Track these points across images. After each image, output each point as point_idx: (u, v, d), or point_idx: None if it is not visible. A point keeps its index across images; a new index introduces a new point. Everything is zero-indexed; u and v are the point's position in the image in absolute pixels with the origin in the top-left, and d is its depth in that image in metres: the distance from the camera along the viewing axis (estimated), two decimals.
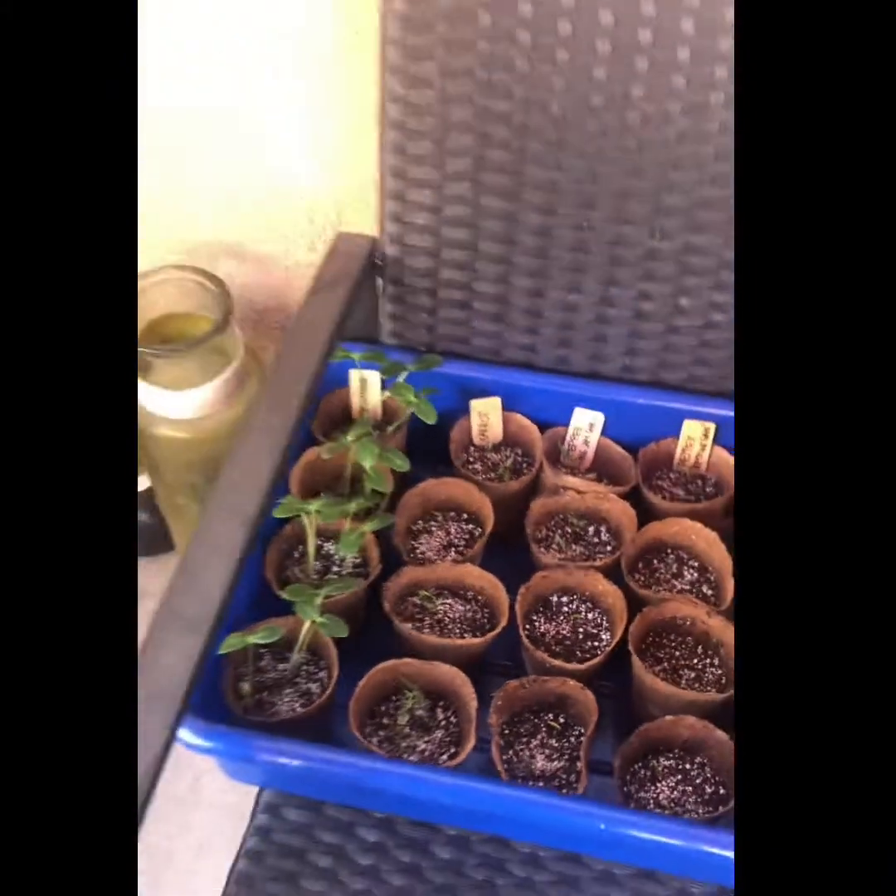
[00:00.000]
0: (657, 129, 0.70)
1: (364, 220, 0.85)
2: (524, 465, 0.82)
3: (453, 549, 0.76)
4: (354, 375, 0.82)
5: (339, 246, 0.78)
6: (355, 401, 0.84)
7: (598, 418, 0.81)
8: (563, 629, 0.72)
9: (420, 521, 0.78)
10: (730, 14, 0.64)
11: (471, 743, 0.64)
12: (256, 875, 0.66)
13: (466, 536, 0.78)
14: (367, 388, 0.82)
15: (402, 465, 0.74)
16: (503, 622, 0.70)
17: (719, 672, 0.70)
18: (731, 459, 0.81)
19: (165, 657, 0.53)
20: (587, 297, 0.78)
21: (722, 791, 0.65)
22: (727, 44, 0.66)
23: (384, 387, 0.82)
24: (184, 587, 0.56)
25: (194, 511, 1.01)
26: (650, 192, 0.73)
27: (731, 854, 0.56)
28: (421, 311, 0.81)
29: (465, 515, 0.79)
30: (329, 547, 0.76)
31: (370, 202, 0.84)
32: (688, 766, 0.66)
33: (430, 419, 0.76)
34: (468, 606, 0.73)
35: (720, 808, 0.64)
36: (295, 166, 0.85)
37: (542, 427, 0.82)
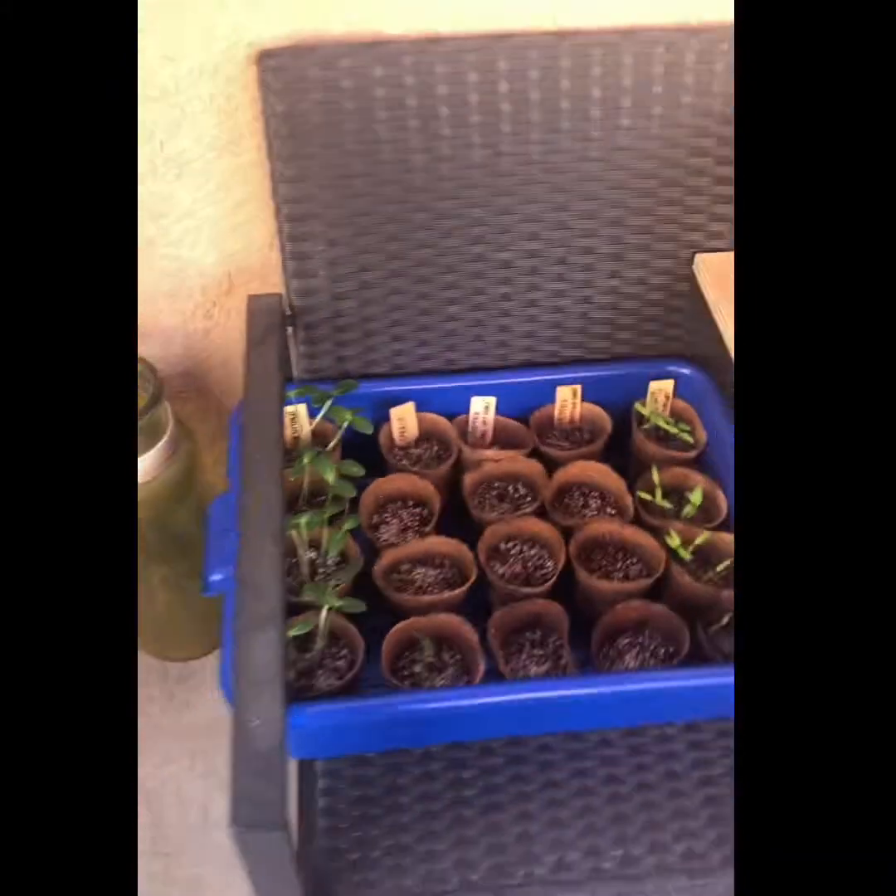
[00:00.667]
0: (490, 176, 0.89)
1: (255, 282, 0.99)
2: (442, 451, 0.99)
3: (410, 530, 0.92)
4: (285, 411, 0.96)
5: (254, 306, 0.92)
6: (287, 432, 0.97)
7: (490, 401, 0.99)
8: (516, 568, 0.90)
9: (375, 516, 0.94)
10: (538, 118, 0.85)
11: (482, 667, 0.80)
12: (335, 826, 0.79)
13: (417, 518, 0.94)
14: (297, 419, 0.96)
15: (359, 471, 0.89)
16: (474, 574, 0.87)
17: (639, 567, 0.90)
18: (597, 410, 1.01)
19: (257, 650, 0.66)
20: (463, 308, 0.97)
21: (671, 650, 0.85)
22: (538, 135, 0.86)
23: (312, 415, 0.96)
24: (248, 594, 0.69)
25: (143, 568, 1.10)
26: (497, 224, 0.92)
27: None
28: (331, 345, 0.97)
29: (411, 502, 0.95)
30: (308, 554, 0.90)
31: (263, 266, 0.98)
32: (641, 640, 0.86)
33: (368, 430, 0.92)
34: (439, 570, 0.90)
35: (674, 661, 0.84)
36: (186, 251, 0.97)
37: (449, 418, 0.99)
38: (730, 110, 0.87)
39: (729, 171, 0.90)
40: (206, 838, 1.11)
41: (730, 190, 0.91)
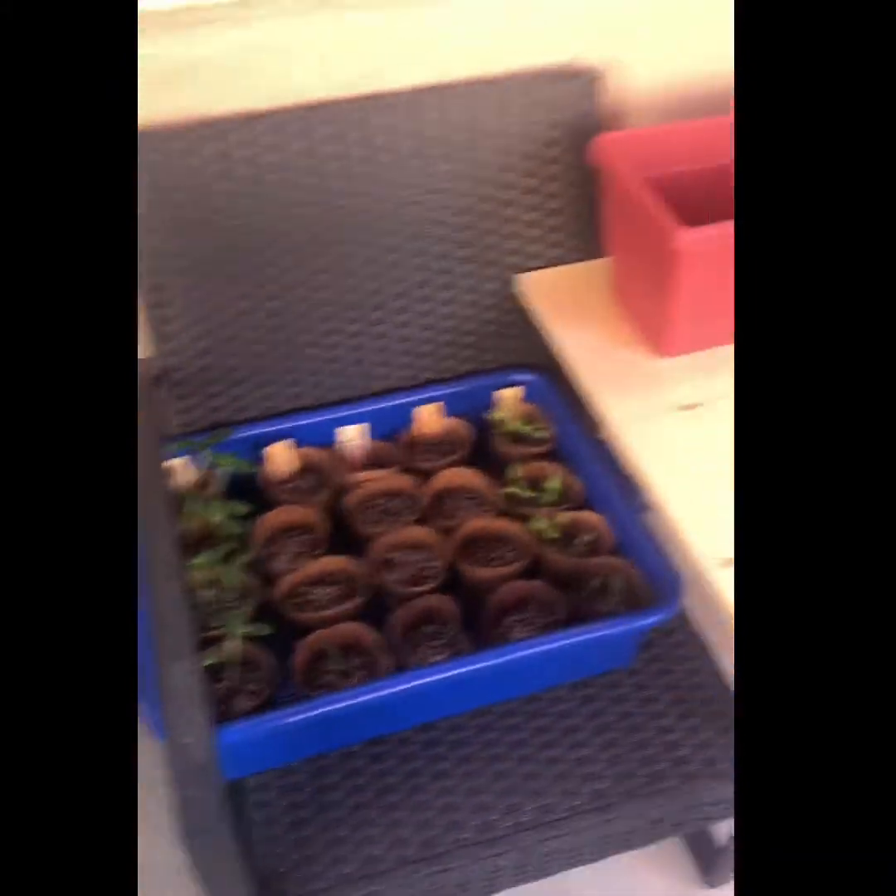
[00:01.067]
0: (324, 229, 0.99)
1: None
2: (322, 480, 1.07)
3: (302, 556, 1.00)
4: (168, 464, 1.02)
5: None
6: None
7: (360, 429, 1.08)
8: (406, 572, 0.99)
9: (267, 548, 1.01)
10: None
11: (387, 665, 0.88)
12: (273, 835, 0.85)
13: (307, 544, 1.01)
14: (179, 471, 1.03)
15: (243, 509, 0.96)
16: (368, 584, 0.95)
17: (515, 552, 1.00)
18: (457, 422, 1.12)
19: (178, 676, 0.72)
20: (320, 348, 1.06)
21: (552, 619, 0.95)
22: (363, 187, 0.97)
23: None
24: (162, 630, 0.75)
25: None
26: (338, 269, 1.02)
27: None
28: (202, 399, 1.04)
29: (299, 530, 1.02)
30: (209, 593, 0.96)
31: None
32: (525, 615, 0.96)
33: (249, 470, 0.99)
34: (335, 587, 0.97)
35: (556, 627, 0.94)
36: None
37: (323, 448, 1.07)
38: (529, 147, 0.99)
39: (534, 199, 1.02)
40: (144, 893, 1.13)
41: (537, 216, 1.04)
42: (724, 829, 1.11)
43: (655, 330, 0.93)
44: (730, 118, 0.94)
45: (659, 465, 0.85)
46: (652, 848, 1.19)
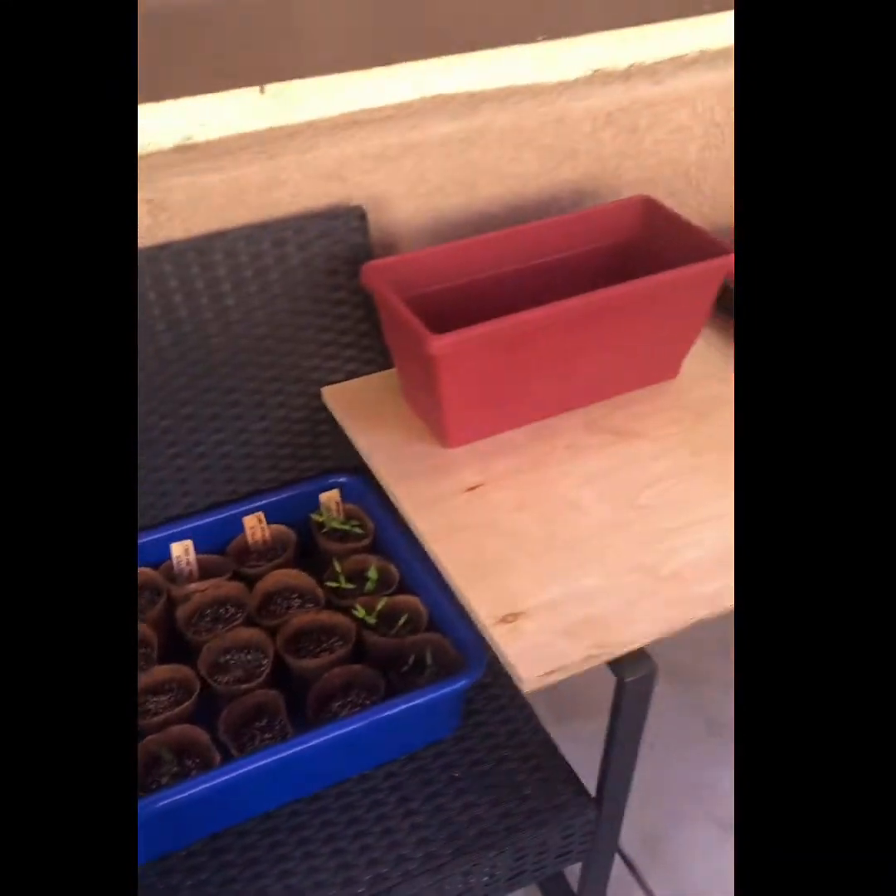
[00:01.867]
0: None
1: None
2: (153, 597, 1.13)
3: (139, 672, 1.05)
4: None
5: None
6: None
7: (188, 544, 1.16)
8: (237, 673, 1.05)
9: None
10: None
11: (218, 759, 0.94)
12: None
13: (143, 659, 1.07)
14: None
15: None
16: (198, 687, 1.01)
17: (339, 643, 1.08)
18: (282, 528, 1.21)
19: None
20: (142, 472, 1.14)
21: (374, 699, 1.03)
22: (163, 326, 1.07)
23: None
24: None
25: None
26: (154, 398, 1.11)
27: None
28: None
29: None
30: None
31: None
32: (350, 698, 1.03)
33: None
34: (169, 695, 1.03)
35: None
36: None
37: (155, 566, 1.14)
38: (313, 278, 1.12)
39: (325, 321, 1.15)
40: None
41: (331, 335, 1.16)
42: (576, 874, 1.18)
43: (436, 426, 1.05)
44: (479, 239, 1.09)
45: (448, 541, 0.95)
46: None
